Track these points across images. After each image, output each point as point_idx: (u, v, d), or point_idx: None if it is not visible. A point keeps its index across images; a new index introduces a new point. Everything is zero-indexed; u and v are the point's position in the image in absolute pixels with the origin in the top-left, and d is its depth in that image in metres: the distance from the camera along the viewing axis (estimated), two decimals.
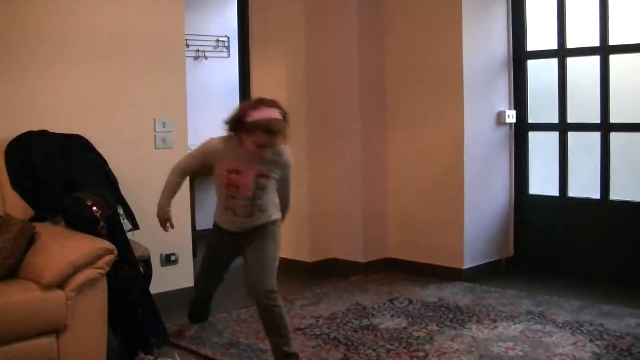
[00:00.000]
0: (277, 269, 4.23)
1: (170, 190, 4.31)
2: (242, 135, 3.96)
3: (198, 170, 4.37)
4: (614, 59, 6.10)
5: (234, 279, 6.81)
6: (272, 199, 4.24)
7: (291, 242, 6.78)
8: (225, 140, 4.13)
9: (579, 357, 4.31)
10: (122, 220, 4.58)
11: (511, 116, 6.61)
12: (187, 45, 7.24)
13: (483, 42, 6.43)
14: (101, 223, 4.13)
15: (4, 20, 4.76)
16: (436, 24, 6.37)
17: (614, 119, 6.13)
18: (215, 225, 4.42)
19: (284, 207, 4.42)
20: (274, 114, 3.91)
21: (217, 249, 4.54)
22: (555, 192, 6.57)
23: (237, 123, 4.00)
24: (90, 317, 3.88)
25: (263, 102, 3.98)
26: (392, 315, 5.28)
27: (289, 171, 4.25)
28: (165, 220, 4.32)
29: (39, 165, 4.57)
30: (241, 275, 4.48)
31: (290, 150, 4.28)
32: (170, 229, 4.37)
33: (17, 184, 4.51)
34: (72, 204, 4.23)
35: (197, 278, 4.91)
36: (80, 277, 3.78)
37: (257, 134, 3.88)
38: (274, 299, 4.10)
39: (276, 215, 4.30)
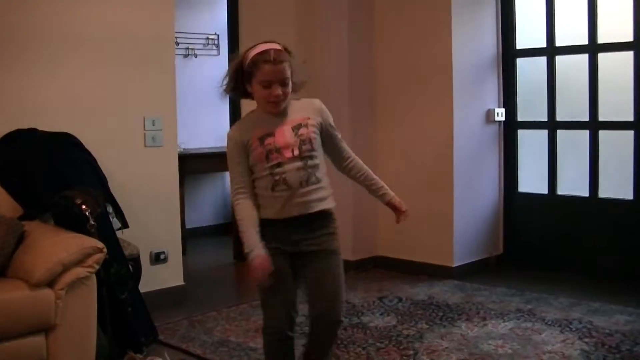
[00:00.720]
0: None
1: (251, 222, 3.28)
2: (250, 89, 3.31)
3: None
4: (602, 57, 6.12)
5: (223, 277, 6.84)
6: (325, 170, 3.35)
7: None
8: (240, 121, 3.49)
9: (568, 355, 4.32)
10: (111, 219, 4.58)
11: (500, 114, 6.63)
12: (177, 43, 7.23)
13: (472, 40, 6.45)
14: (90, 221, 4.12)
15: None
16: (426, 21, 6.38)
17: (602, 117, 6.15)
18: (262, 227, 3.30)
19: (363, 170, 3.49)
20: (273, 45, 3.31)
21: (278, 263, 3.27)
22: (544, 190, 6.59)
23: (237, 75, 3.33)
24: (80, 315, 3.86)
25: (259, 42, 3.37)
26: (382, 314, 5.28)
27: (330, 119, 3.41)
28: (265, 262, 3.20)
29: (28, 163, 4.56)
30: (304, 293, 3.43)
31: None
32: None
33: (6, 181, 4.50)
34: (62, 202, 4.22)
35: (266, 320, 3.46)
36: (69, 276, 3.77)
37: (260, 69, 3.22)
38: (339, 327, 3.45)
39: (332, 201, 3.37)
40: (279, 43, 3.34)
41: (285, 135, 3.26)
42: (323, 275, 3.32)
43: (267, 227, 3.29)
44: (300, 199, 3.24)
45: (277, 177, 3.24)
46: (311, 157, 3.26)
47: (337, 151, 3.46)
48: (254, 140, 3.27)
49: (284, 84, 3.24)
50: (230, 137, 3.37)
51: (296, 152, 3.23)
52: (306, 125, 3.29)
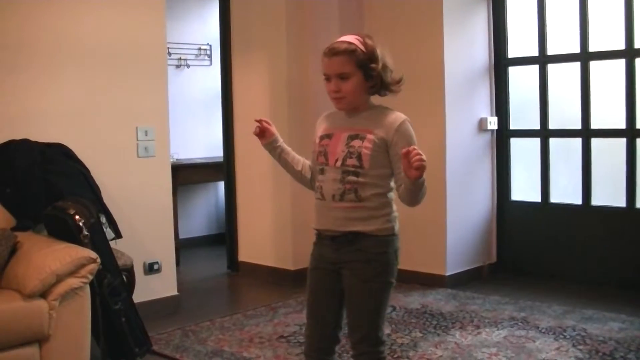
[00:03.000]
0: (382, 313, 3.12)
1: (294, 156, 3.34)
2: None
3: None
4: (594, 65, 6.14)
5: (217, 287, 6.83)
6: (381, 191, 3.05)
7: (274, 250, 6.79)
8: (329, 112, 3.25)
9: None
10: (104, 229, 4.57)
11: (493, 123, 6.64)
12: (169, 54, 7.24)
13: (464, 49, 6.47)
14: (84, 232, 4.11)
15: None
16: (418, 30, 6.39)
17: (594, 125, 6.17)
18: (315, 239, 3.23)
19: (404, 199, 3.04)
20: (347, 37, 3.06)
21: (315, 279, 3.20)
22: (537, 198, 6.60)
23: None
24: (73, 326, 3.86)
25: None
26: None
27: (403, 141, 3.00)
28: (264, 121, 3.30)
29: (21, 174, 4.55)
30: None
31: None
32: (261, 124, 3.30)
33: None
34: (55, 212, 4.21)
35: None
36: (63, 287, 3.76)
37: (322, 61, 3.08)
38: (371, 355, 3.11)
39: (388, 225, 3.07)
40: (360, 35, 3.08)
41: (339, 141, 3.06)
42: (349, 306, 3.10)
43: (316, 242, 3.20)
44: (332, 212, 3.05)
45: (318, 184, 3.13)
46: (355, 174, 2.99)
47: (396, 170, 3.02)
48: (318, 136, 3.18)
49: (342, 78, 3.01)
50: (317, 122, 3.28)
51: (338, 163, 3.02)
52: (363, 139, 3.00)
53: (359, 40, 3.04)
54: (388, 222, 3.06)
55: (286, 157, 3.32)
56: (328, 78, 3.04)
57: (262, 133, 3.30)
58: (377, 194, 3.02)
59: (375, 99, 3.16)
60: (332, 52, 3.02)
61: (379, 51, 3.07)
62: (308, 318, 3.27)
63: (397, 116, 3.07)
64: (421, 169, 2.78)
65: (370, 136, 3.00)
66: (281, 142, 3.33)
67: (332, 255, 3.10)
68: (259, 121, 3.30)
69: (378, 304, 3.08)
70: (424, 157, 2.78)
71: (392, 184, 3.08)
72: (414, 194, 2.97)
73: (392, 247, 3.09)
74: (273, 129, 3.31)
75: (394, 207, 3.11)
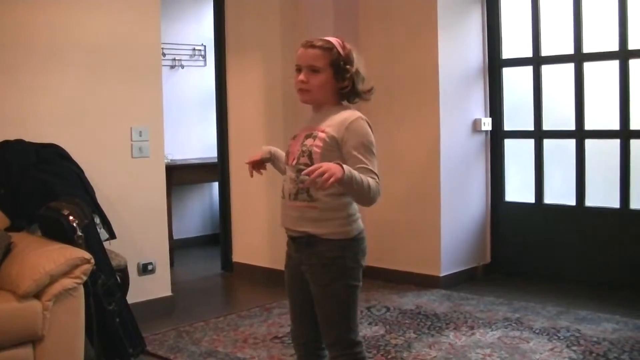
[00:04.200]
0: (350, 315, 3.08)
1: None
2: None
3: None
4: (588, 66, 6.16)
5: (211, 287, 6.83)
6: (335, 192, 2.95)
7: (269, 251, 6.78)
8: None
9: None
10: (99, 230, 4.56)
11: (487, 124, 6.65)
12: (164, 54, 7.23)
13: (459, 50, 6.47)
14: (78, 232, 4.11)
15: None
16: (412, 31, 6.39)
17: (588, 126, 6.19)
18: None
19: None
20: (328, 38, 3.10)
21: (287, 277, 3.32)
22: (531, 199, 6.61)
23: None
24: (67, 327, 3.85)
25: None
26: (370, 323, 5.28)
27: (353, 140, 2.95)
28: (257, 155, 3.36)
29: (15, 175, 4.55)
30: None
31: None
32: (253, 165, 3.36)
33: None
34: (49, 213, 4.21)
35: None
36: (57, 287, 3.76)
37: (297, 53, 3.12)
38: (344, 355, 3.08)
39: (343, 229, 3.02)
40: (340, 39, 3.10)
41: (299, 141, 3.08)
42: (317, 310, 3.09)
43: (288, 243, 3.24)
44: (288, 211, 3.09)
45: (283, 182, 3.15)
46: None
47: None
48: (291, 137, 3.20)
49: (312, 71, 3.03)
50: None
51: (294, 162, 3.04)
52: (315, 137, 3.00)
53: (338, 42, 3.08)
54: (343, 226, 3.02)
55: (279, 163, 3.34)
56: (299, 69, 3.07)
57: (258, 167, 3.36)
58: (330, 195, 2.97)
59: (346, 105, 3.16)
60: (309, 45, 3.06)
61: (354, 56, 3.08)
62: (290, 313, 3.32)
63: (350, 114, 3.04)
64: (318, 184, 2.65)
65: (321, 134, 2.99)
66: (272, 152, 3.36)
67: (295, 255, 3.15)
68: (248, 164, 3.35)
69: (343, 307, 3.05)
70: (323, 172, 2.63)
71: None
72: (351, 195, 2.95)
73: (350, 251, 3.04)
74: (261, 154, 3.34)
75: (355, 208, 3.06)
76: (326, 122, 3.03)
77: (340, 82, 3.05)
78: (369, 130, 3.03)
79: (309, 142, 3.01)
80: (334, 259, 3.00)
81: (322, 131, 3.00)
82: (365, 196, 2.87)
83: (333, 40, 3.08)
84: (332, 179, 2.63)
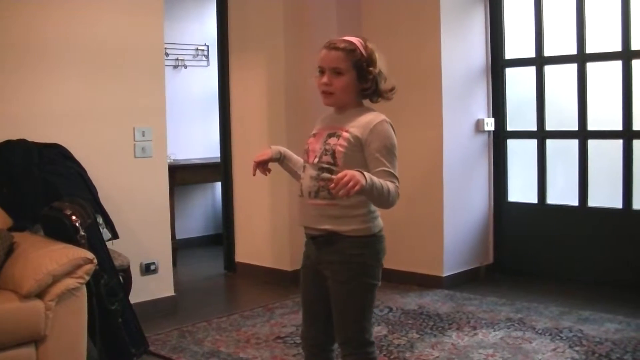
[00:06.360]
0: (366, 314, 3.13)
1: (298, 160, 3.30)
2: None
3: None
4: (591, 67, 6.15)
5: (213, 287, 6.83)
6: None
7: (272, 250, 6.79)
8: (326, 114, 3.27)
9: None
10: (101, 230, 4.57)
11: (490, 124, 6.64)
12: (167, 54, 7.23)
13: (462, 51, 6.47)
14: (81, 232, 4.11)
15: None
16: (415, 31, 6.39)
17: (591, 126, 6.18)
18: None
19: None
20: (350, 38, 3.09)
21: (304, 277, 3.25)
22: (534, 199, 6.61)
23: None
24: (70, 327, 3.85)
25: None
26: (373, 323, 5.27)
27: (376, 142, 2.98)
28: (263, 154, 3.26)
29: (18, 174, 4.56)
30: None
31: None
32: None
33: None
34: (51, 213, 4.21)
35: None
36: (59, 287, 3.76)
37: (319, 55, 3.10)
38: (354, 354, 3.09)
39: (364, 225, 3.04)
40: (362, 39, 3.11)
41: (319, 139, 3.09)
42: (333, 307, 3.08)
43: (305, 243, 3.22)
44: (308, 209, 3.07)
45: (300, 180, 3.14)
46: (329, 171, 2.98)
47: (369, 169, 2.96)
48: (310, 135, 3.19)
49: (336, 73, 3.03)
50: None
51: (315, 160, 3.04)
52: (339, 136, 3.01)
53: (360, 42, 3.07)
54: (364, 222, 3.04)
55: (289, 163, 3.31)
56: (322, 70, 3.06)
57: (263, 167, 3.26)
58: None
59: (367, 104, 3.16)
60: (332, 46, 3.04)
61: (376, 56, 3.08)
62: (302, 314, 3.28)
63: (375, 116, 3.05)
64: (344, 190, 2.68)
65: (345, 134, 3.00)
66: (282, 153, 3.30)
67: (314, 254, 3.13)
68: (255, 162, 3.24)
69: (359, 306, 3.08)
70: (348, 181, 2.67)
71: None
72: (371, 200, 2.97)
73: (371, 249, 3.07)
74: (271, 153, 3.26)
75: (374, 207, 3.07)
76: (351, 122, 3.03)
77: (363, 83, 3.06)
78: (393, 133, 3.05)
79: (332, 141, 3.02)
80: (354, 256, 3.02)
81: (346, 131, 3.01)
82: (384, 201, 2.91)
83: (355, 40, 3.07)
84: (356, 187, 2.67)
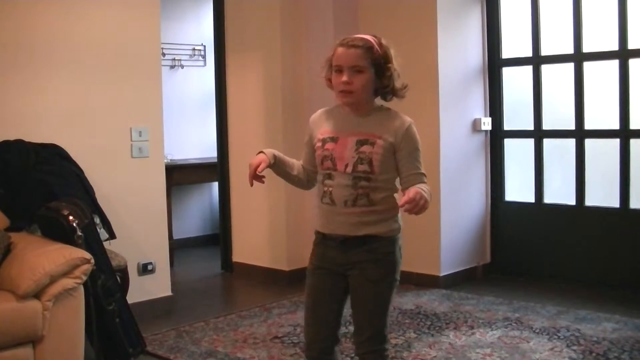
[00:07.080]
0: (388, 310, 3.15)
1: (289, 161, 3.22)
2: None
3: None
4: (587, 66, 6.16)
5: (211, 287, 6.83)
6: (389, 194, 3.07)
7: (269, 250, 6.79)
8: (327, 109, 3.22)
9: None
10: (98, 230, 4.56)
11: (487, 123, 6.65)
12: (163, 54, 7.23)
13: (458, 50, 6.47)
14: (78, 232, 4.11)
15: None
16: (412, 31, 6.38)
17: (588, 125, 6.18)
18: (315, 240, 3.21)
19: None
20: (363, 35, 3.06)
21: (317, 279, 3.17)
22: (531, 198, 6.61)
23: (328, 65, 3.11)
24: (67, 327, 3.85)
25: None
26: None
27: (409, 147, 3.02)
28: (260, 160, 3.04)
29: (15, 175, 4.55)
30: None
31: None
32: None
33: None
34: (49, 213, 4.21)
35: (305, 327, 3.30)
36: (56, 287, 3.76)
37: (335, 53, 3.02)
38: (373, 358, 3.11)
39: (396, 225, 3.13)
40: (376, 36, 3.08)
41: (346, 146, 3.00)
42: (357, 305, 3.10)
43: (319, 243, 3.16)
44: (343, 218, 3.02)
45: (325, 189, 3.05)
46: (367, 179, 2.97)
47: (404, 169, 3.04)
48: (317, 139, 3.09)
49: (355, 71, 2.97)
50: (312, 116, 3.23)
51: (349, 169, 2.97)
52: (373, 144, 2.97)
53: (375, 40, 3.05)
54: (396, 223, 3.11)
55: (282, 167, 3.20)
56: (340, 69, 2.99)
57: (259, 176, 3.09)
58: (386, 197, 3.03)
59: (377, 101, 3.15)
60: (350, 44, 2.99)
61: (392, 54, 3.09)
62: (309, 318, 3.21)
63: (404, 120, 3.06)
64: (417, 209, 2.82)
65: (379, 141, 2.98)
66: (276, 156, 3.15)
67: (340, 256, 3.07)
68: (251, 175, 3.06)
69: (384, 303, 3.10)
70: (421, 201, 2.81)
71: (397, 184, 3.09)
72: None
73: (398, 245, 3.14)
74: (265, 163, 3.07)
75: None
76: (381, 128, 3.02)
77: (383, 80, 3.06)
78: (418, 136, 3.09)
79: (366, 149, 2.97)
80: (386, 254, 3.08)
81: (380, 137, 2.99)
82: (427, 207, 2.92)
83: (370, 38, 3.04)
84: (427, 206, 2.84)
